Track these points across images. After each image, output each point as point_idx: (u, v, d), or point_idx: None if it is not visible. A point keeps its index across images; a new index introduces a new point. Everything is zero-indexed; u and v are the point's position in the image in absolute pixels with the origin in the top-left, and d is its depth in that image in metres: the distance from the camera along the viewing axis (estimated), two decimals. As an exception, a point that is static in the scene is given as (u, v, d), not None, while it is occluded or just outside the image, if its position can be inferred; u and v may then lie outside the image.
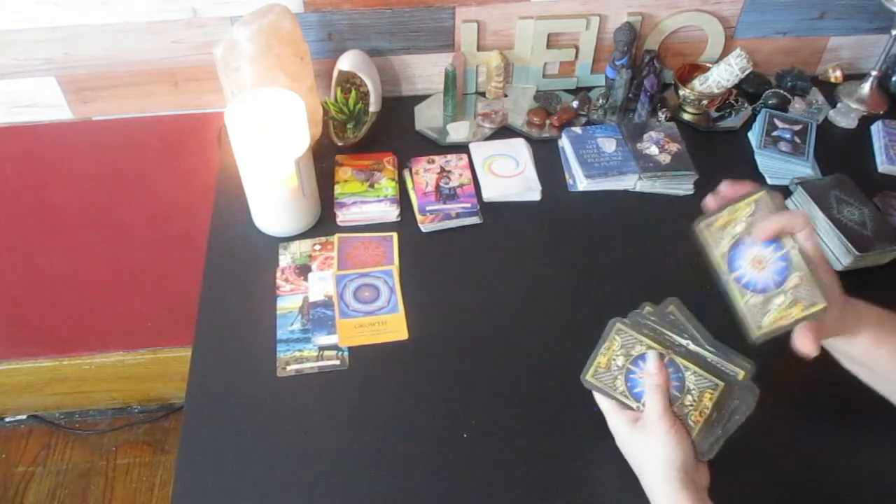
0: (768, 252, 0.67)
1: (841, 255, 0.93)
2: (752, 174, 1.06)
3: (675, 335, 0.72)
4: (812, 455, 0.78)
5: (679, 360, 0.70)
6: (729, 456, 0.70)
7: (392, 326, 0.87)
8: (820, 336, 0.67)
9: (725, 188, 0.73)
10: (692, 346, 0.71)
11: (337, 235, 0.98)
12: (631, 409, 0.72)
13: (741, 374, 0.69)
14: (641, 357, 0.71)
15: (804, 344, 0.65)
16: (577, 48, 1.15)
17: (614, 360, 0.72)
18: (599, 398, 0.74)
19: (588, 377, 0.74)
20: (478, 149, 1.09)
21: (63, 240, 1.36)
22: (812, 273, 0.65)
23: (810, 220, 0.67)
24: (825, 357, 0.70)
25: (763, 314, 0.67)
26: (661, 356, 0.71)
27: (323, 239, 0.97)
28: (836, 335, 0.70)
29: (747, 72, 1.07)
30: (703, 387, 0.69)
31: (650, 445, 0.68)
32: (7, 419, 1.73)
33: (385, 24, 1.09)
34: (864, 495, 0.75)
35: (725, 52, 1.16)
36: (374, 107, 1.09)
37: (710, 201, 0.74)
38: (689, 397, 0.69)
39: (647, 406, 0.70)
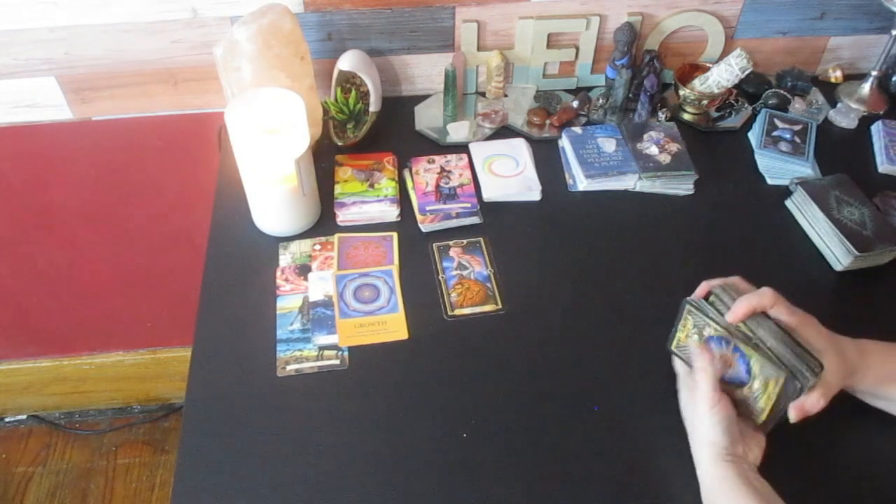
0: (723, 349, 0.73)
1: (841, 255, 0.93)
2: (752, 174, 1.06)
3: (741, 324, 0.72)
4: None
5: (743, 346, 0.71)
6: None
7: (392, 326, 0.87)
8: (826, 395, 0.69)
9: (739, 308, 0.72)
10: (756, 335, 0.71)
11: (337, 235, 0.98)
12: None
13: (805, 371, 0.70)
14: (712, 338, 0.73)
15: (799, 415, 0.69)
16: (577, 48, 1.15)
17: (690, 336, 0.76)
18: (676, 362, 0.79)
19: (672, 347, 0.78)
20: (478, 149, 1.09)
21: (63, 240, 1.36)
22: (773, 349, 0.69)
23: (778, 295, 0.71)
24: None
25: (755, 402, 0.72)
26: (719, 340, 0.73)
27: (323, 239, 0.97)
28: (845, 382, 0.72)
29: (747, 72, 1.07)
30: (767, 374, 0.70)
31: (697, 417, 0.72)
32: (7, 419, 1.73)
33: (385, 24, 1.09)
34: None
35: (725, 52, 1.16)
36: (374, 107, 1.09)
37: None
38: (757, 382, 0.71)
39: (696, 384, 0.73)
